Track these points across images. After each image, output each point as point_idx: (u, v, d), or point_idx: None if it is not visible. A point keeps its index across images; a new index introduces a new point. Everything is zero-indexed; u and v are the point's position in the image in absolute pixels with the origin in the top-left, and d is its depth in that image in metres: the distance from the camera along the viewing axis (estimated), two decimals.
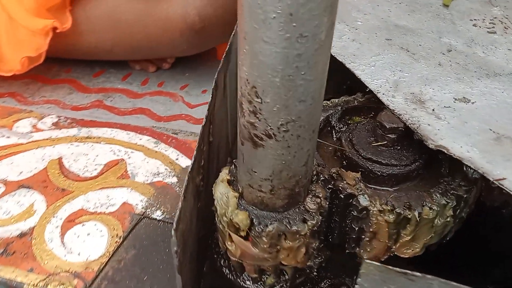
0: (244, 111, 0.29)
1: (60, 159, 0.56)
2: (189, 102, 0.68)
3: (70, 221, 0.48)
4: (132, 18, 0.63)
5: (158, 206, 0.50)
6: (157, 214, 0.49)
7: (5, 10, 0.62)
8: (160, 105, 0.67)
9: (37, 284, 0.41)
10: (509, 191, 0.31)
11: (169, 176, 0.54)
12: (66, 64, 0.74)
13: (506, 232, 0.44)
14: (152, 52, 0.68)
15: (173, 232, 0.29)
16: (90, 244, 0.45)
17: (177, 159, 0.56)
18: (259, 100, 0.27)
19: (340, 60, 0.44)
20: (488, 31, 0.53)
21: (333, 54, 0.45)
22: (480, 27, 0.53)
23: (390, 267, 0.27)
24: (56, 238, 0.46)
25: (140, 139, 0.59)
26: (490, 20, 0.55)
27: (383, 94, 0.40)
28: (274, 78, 0.26)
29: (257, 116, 0.28)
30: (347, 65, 0.44)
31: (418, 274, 0.26)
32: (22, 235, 0.46)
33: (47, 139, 0.59)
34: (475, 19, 0.54)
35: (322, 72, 0.27)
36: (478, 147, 0.35)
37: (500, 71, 0.46)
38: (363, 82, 0.42)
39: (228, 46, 0.44)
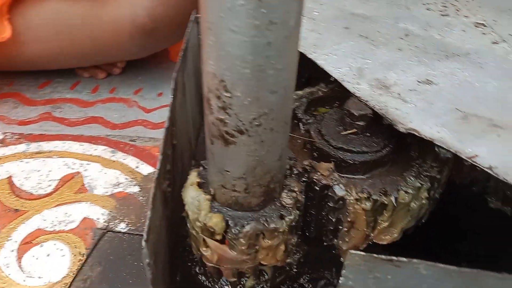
0: (212, 107, 0.27)
1: (9, 178, 0.52)
2: (144, 106, 0.65)
3: (27, 243, 0.44)
4: (76, 23, 0.60)
5: (121, 218, 0.47)
6: (121, 227, 0.46)
7: None
8: (114, 112, 0.64)
9: None
10: (482, 167, 0.31)
11: (130, 185, 0.51)
12: (7, 76, 0.69)
13: (476, 209, 0.44)
14: (101, 57, 0.64)
15: (143, 243, 0.26)
16: (51, 266, 0.42)
17: (137, 167, 0.54)
18: (228, 94, 0.25)
19: (301, 51, 0.43)
20: (441, 14, 0.53)
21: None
22: (433, 10, 0.54)
23: (375, 255, 0.26)
24: (13, 263, 0.42)
25: (95, 150, 0.56)
26: (442, 3, 0.55)
27: (348, 82, 0.39)
28: (244, 70, 0.24)
29: (227, 111, 0.26)
30: (309, 56, 0.43)
31: (404, 259, 0.25)
32: None
33: None
34: (427, 3, 0.55)
35: (292, 61, 0.26)
36: (447, 127, 0.35)
37: (458, 52, 0.46)
38: (327, 71, 0.41)
39: (184, 44, 0.42)
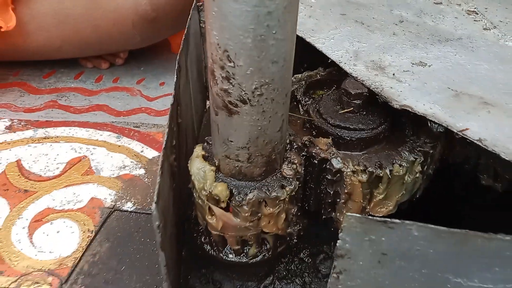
0: (216, 78, 0.29)
1: (18, 161, 0.54)
2: (147, 95, 0.67)
3: (37, 221, 0.46)
4: (79, 12, 0.61)
5: (128, 198, 0.49)
6: (128, 206, 0.48)
7: None
8: (118, 100, 0.65)
9: (8, 286, 0.39)
10: (472, 140, 0.33)
11: (136, 168, 0.53)
12: (13, 67, 0.71)
13: (469, 187, 0.46)
14: (104, 46, 0.66)
15: (154, 206, 0.28)
16: (61, 241, 0.44)
17: (142, 151, 0.55)
18: (231, 64, 0.27)
19: (300, 35, 0.45)
20: (434, 2, 0.55)
21: None
22: None
23: (370, 217, 0.28)
24: (24, 239, 0.44)
25: (101, 135, 0.58)
26: None
27: (345, 63, 0.41)
28: (246, 39, 0.26)
29: (231, 81, 0.28)
30: (308, 39, 0.45)
31: (397, 221, 0.27)
32: None
33: (1, 142, 0.56)
34: None
35: (291, 32, 0.27)
36: (439, 104, 0.36)
37: (451, 37, 0.48)
38: (325, 54, 0.43)
39: (186, 30, 0.44)
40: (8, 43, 0.64)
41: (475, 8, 0.54)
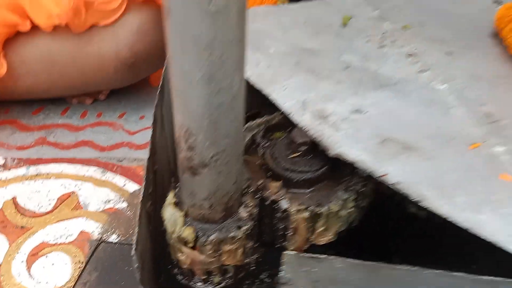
0: (181, 148, 0.36)
1: (14, 198, 0.60)
2: (128, 129, 0.74)
3: (34, 255, 0.53)
4: (65, 58, 0.68)
5: (113, 230, 0.56)
6: (113, 238, 0.55)
7: None
8: (102, 135, 0.72)
9: None
10: (388, 184, 0.41)
11: (119, 202, 0.60)
12: (3, 105, 0.77)
13: (398, 214, 0.53)
14: (88, 87, 0.73)
15: (133, 252, 0.35)
16: (56, 273, 0.51)
17: (124, 185, 0.62)
18: (192, 139, 0.34)
19: (258, 88, 0.53)
20: (379, 46, 0.63)
21: (251, 83, 0.54)
22: (372, 42, 0.63)
23: (303, 254, 0.35)
24: (23, 272, 0.51)
25: (87, 171, 0.65)
26: (381, 34, 0.65)
27: (294, 114, 0.49)
28: (203, 122, 0.33)
29: (193, 151, 0.35)
30: (264, 91, 0.52)
31: (323, 256, 0.35)
32: None
33: None
34: (368, 35, 0.65)
35: (239, 113, 0.35)
36: (367, 151, 0.44)
37: (389, 82, 0.56)
38: (277, 105, 0.50)
39: (161, 81, 0.51)
40: None
41: (415, 49, 0.62)
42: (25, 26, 0.66)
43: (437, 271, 0.35)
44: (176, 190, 0.43)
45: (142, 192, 0.40)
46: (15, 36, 0.68)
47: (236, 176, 0.39)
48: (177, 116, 0.34)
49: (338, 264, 0.35)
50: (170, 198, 0.42)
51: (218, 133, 0.34)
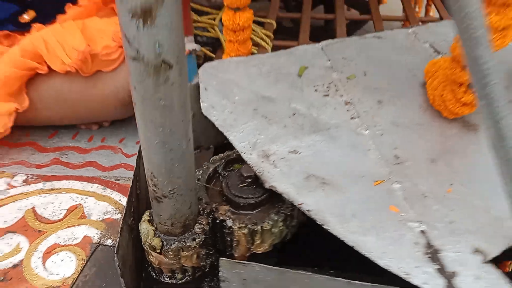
0: (149, 184, 0.52)
1: (33, 208, 0.77)
2: (126, 152, 0.90)
3: (48, 253, 0.69)
4: (75, 97, 0.85)
5: (109, 236, 0.72)
6: (109, 242, 0.71)
7: None
8: (104, 157, 0.89)
9: None
10: (303, 210, 0.56)
11: (115, 213, 0.76)
12: (25, 129, 0.94)
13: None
14: (93, 119, 0.90)
15: (115, 255, 0.52)
16: (64, 267, 0.67)
17: (120, 200, 0.79)
18: (155, 180, 0.51)
19: (221, 130, 0.68)
20: (323, 95, 0.78)
21: (217, 126, 0.69)
22: (319, 91, 0.79)
23: (233, 260, 0.51)
24: (40, 265, 0.67)
25: (91, 187, 0.81)
26: (328, 84, 0.80)
27: (244, 153, 0.65)
28: (161, 169, 0.49)
29: (157, 186, 0.51)
30: (225, 133, 0.68)
31: (246, 262, 0.51)
32: (14, 266, 0.67)
33: (20, 193, 0.80)
34: (317, 85, 0.80)
35: (189, 161, 0.51)
36: (293, 185, 0.60)
37: (324, 127, 0.71)
38: (234, 145, 0.66)
39: None
40: (21, 116, 0.87)
41: (351, 98, 0.77)
42: (43, 70, 0.83)
43: (325, 276, 0.51)
44: (151, 210, 0.59)
45: (124, 211, 0.57)
46: (35, 76, 0.85)
47: (190, 203, 0.55)
48: (145, 163, 0.51)
49: (257, 268, 0.51)
50: (145, 216, 0.58)
51: (173, 176, 0.50)
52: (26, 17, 0.90)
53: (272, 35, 1.30)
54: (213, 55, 1.26)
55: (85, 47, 0.80)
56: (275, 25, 1.36)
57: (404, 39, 0.91)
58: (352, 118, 0.73)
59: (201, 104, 0.72)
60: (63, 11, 0.92)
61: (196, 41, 1.26)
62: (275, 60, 0.85)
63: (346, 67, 0.83)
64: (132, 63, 0.42)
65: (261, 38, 1.26)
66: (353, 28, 1.84)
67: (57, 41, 0.81)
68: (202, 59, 1.23)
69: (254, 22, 1.33)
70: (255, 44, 1.26)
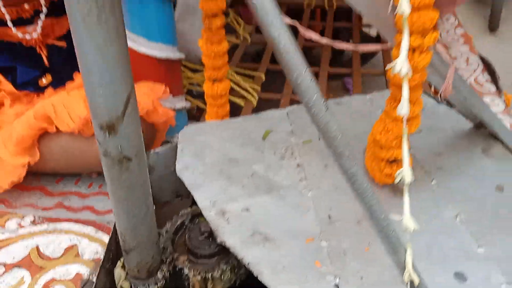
0: (120, 238, 0.67)
1: (37, 247, 0.93)
2: None
3: (46, 286, 0.85)
4: (78, 152, 1.02)
5: (96, 273, 0.87)
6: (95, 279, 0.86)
7: None
8: (100, 202, 1.05)
9: None
10: (243, 263, 0.70)
11: (103, 253, 0.91)
12: (36, 175, 1.11)
13: None
14: (93, 170, 1.06)
15: None
16: None
17: None
18: (123, 235, 0.66)
19: (189, 189, 0.83)
20: (280, 157, 0.92)
21: (187, 185, 0.84)
22: (277, 154, 0.93)
23: None
24: None
25: (86, 229, 0.97)
26: (286, 148, 0.94)
27: (204, 210, 0.79)
28: (127, 229, 0.64)
29: (125, 241, 0.66)
30: (192, 193, 0.83)
31: None
32: None
33: (28, 233, 0.96)
34: (277, 148, 0.94)
35: (151, 223, 0.66)
36: (241, 240, 0.74)
37: (276, 187, 0.85)
38: (197, 203, 0.81)
39: None
40: (33, 166, 1.04)
41: (304, 161, 0.91)
42: (52, 130, 1.00)
43: None
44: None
45: (103, 257, 0.72)
46: (45, 134, 1.02)
47: (153, 254, 0.69)
48: (116, 223, 0.66)
49: None
50: (119, 262, 0.73)
51: (137, 233, 0.65)
52: (44, 81, 1.09)
53: (259, 88, 1.46)
54: (205, 107, 1.42)
55: (86, 114, 0.96)
56: (263, 78, 1.52)
57: (361, 105, 1.06)
58: (300, 180, 0.87)
59: (176, 164, 0.87)
60: (72, 78, 1.10)
61: (192, 95, 1.43)
62: (246, 125, 1.00)
63: (305, 132, 0.98)
64: (103, 157, 0.58)
65: (247, 91, 1.42)
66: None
67: (64, 107, 0.98)
68: (195, 110, 1.39)
69: (244, 74, 1.50)
70: (242, 96, 1.41)
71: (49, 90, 1.07)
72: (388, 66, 0.57)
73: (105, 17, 0.46)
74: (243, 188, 0.84)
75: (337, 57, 1.98)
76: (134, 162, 0.58)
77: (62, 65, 1.13)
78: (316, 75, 1.59)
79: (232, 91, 1.40)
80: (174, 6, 1.24)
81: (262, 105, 1.35)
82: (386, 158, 0.78)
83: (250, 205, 0.81)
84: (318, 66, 1.60)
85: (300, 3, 2.05)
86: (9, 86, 1.10)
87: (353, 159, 0.54)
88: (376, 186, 0.86)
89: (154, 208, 0.68)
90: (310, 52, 1.93)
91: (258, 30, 1.84)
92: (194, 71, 1.49)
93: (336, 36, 1.94)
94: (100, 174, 1.12)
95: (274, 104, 1.30)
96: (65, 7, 0.46)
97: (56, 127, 1.00)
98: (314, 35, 0.76)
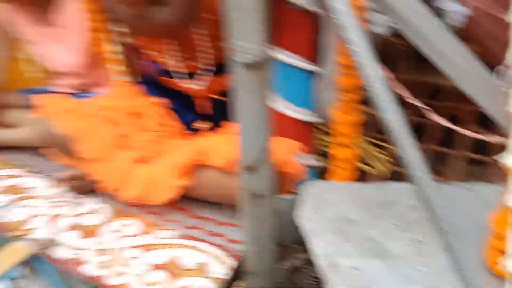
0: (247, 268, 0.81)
1: (177, 257, 1.11)
2: None
3: None
4: (221, 186, 1.18)
5: None
6: None
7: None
8: (232, 232, 1.21)
9: None
10: None
11: (228, 275, 1.06)
12: (185, 197, 1.32)
13: None
14: (232, 203, 1.24)
15: None
16: None
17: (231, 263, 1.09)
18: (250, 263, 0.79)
19: (306, 237, 0.94)
20: (398, 228, 0.98)
21: (303, 233, 0.95)
22: (395, 225, 0.99)
23: None
24: None
25: (217, 252, 1.13)
26: (405, 220, 1.00)
27: (319, 259, 0.89)
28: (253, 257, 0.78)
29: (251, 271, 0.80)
30: (308, 241, 0.94)
31: None
32: None
33: (170, 244, 1.15)
34: (396, 219, 1.00)
35: (270, 256, 0.78)
36: None
37: (389, 256, 0.91)
38: (312, 251, 0.91)
39: None
40: (184, 190, 1.25)
41: (421, 239, 0.96)
42: (205, 163, 1.20)
43: None
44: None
45: (227, 277, 0.86)
46: (198, 165, 1.23)
47: (270, 283, 0.82)
48: (245, 249, 0.80)
49: None
50: (237, 283, 0.87)
51: (261, 262, 0.78)
52: (202, 125, 1.33)
53: (391, 159, 1.53)
54: (333, 167, 1.53)
55: (233, 155, 1.15)
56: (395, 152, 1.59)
57: (493, 194, 1.07)
58: (415, 254, 0.93)
59: (297, 213, 1.00)
60: (224, 124, 1.32)
61: (323, 155, 1.56)
62: (368, 191, 1.09)
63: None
64: (241, 191, 0.73)
65: (378, 160, 1.50)
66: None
67: (216, 147, 1.18)
68: (324, 169, 1.51)
69: (379, 145, 1.59)
70: (372, 165, 1.50)
71: (205, 131, 1.31)
72: (497, 157, 0.62)
73: (259, 84, 0.63)
74: (357, 248, 0.93)
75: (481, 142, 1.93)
76: (265, 200, 0.72)
77: (218, 114, 1.37)
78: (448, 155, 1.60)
79: (363, 158, 1.50)
80: (318, 77, 1.41)
81: (393, 177, 1.42)
82: (500, 249, 0.80)
83: (361, 265, 0.89)
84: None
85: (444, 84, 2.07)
86: (176, 124, 1.38)
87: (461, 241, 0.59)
88: (492, 276, 0.87)
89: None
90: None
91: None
92: (327, 134, 1.63)
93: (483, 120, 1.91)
94: (235, 206, 1.29)
95: (406, 178, 1.35)
96: (233, 78, 0.64)
97: (208, 162, 1.20)
98: (439, 119, 0.84)
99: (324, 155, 1.59)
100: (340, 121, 1.11)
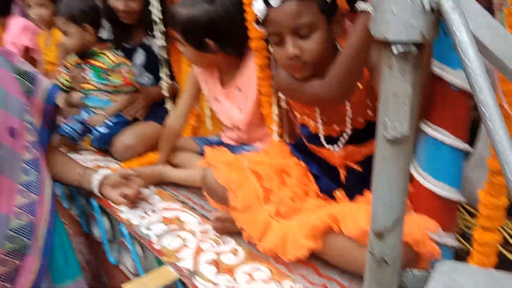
0: None
1: None
2: None
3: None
4: (349, 254, 1.25)
5: None
6: None
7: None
8: None
9: None
10: None
11: None
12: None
13: None
14: (356, 272, 1.28)
15: None
16: None
17: None
18: None
19: None
20: None
21: None
22: None
23: None
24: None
25: None
26: None
27: None
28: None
29: None
30: None
31: None
32: None
33: None
34: None
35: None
36: None
37: None
38: None
39: None
40: (313, 253, 1.33)
41: None
42: (336, 229, 1.26)
43: None
44: None
45: None
46: (329, 230, 1.30)
47: None
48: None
49: None
50: None
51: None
52: (338, 193, 1.41)
53: None
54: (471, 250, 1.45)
55: (367, 226, 1.20)
56: None
57: None
58: None
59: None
60: (362, 193, 1.36)
61: (464, 237, 1.51)
62: (507, 281, 1.04)
63: None
64: (368, 254, 0.79)
65: None
66: None
67: (351, 215, 1.25)
68: (463, 251, 1.46)
69: None
70: None
71: (342, 199, 1.39)
72: None
73: (400, 159, 0.69)
74: None
75: None
76: (390, 267, 0.77)
77: (354, 183, 1.41)
78: None
79: (506, 245, 1.41)
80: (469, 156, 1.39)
81: None
82: None
83: None
84: None
85: None
86: (315, 187, 1.48)
87: None
88: None
89: None
90: None
91: None
92: (472, 215, 1.56)
93: None
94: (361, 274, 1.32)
95: None
96: (376, 151, 0.71)
97: (340, 229, 1.27)
98: None
99: (465, 236, 1.53)
100: (487, 203, 1.09)
